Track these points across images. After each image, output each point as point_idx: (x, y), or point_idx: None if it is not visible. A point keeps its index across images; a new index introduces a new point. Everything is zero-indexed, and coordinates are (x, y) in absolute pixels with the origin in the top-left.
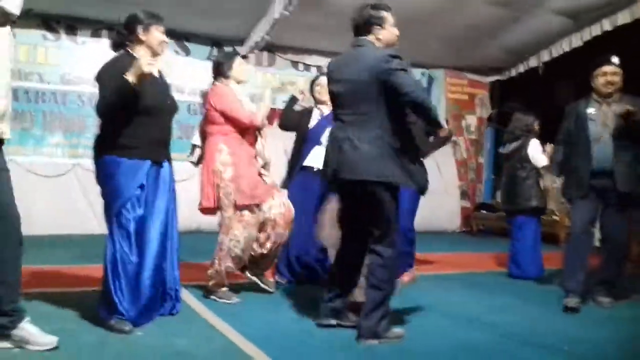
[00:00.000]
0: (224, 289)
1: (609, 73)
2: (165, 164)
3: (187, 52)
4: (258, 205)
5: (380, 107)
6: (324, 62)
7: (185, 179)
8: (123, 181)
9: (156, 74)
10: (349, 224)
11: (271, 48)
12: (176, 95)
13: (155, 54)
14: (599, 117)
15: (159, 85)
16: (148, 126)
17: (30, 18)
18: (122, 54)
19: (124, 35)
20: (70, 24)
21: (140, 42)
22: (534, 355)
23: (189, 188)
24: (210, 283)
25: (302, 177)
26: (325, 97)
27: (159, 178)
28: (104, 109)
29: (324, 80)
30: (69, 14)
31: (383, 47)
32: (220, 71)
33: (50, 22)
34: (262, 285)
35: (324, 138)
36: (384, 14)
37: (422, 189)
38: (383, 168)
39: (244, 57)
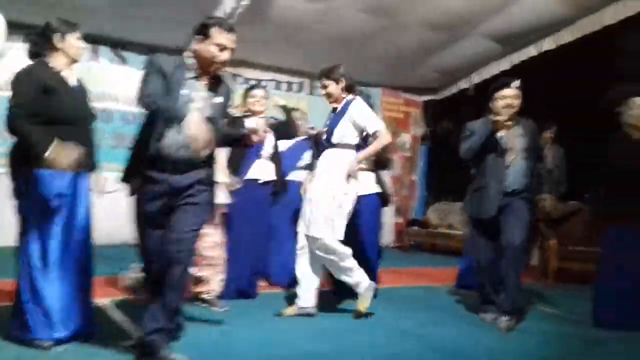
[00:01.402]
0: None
1: (509, 96)
2: (85, 174)
3: (123, 61)
4: None
5: None
6: (265, 75)
7: (119, 189)
8: (41, 192)
9: (74, 82)
10: None
11: None
12: (111, 104)
13: (72, 61)
14: (508, 140)
15: (76, 93)
16: (66, 136)
17: None
18: (38, 62)
19: (39, 44)
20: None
21: (57, 49)
22: None
23: (122, 198)
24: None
25: (246, 190)
26: (260, 108)
27: (77, 189)
28: (13, 125)
29: (258, 92)
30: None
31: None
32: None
33: None
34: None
35: (264, 151)
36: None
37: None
38: None
39: None
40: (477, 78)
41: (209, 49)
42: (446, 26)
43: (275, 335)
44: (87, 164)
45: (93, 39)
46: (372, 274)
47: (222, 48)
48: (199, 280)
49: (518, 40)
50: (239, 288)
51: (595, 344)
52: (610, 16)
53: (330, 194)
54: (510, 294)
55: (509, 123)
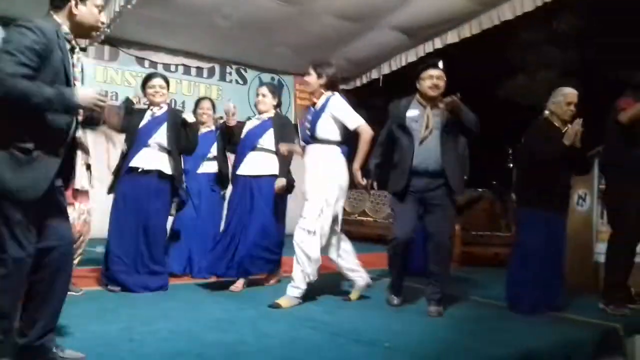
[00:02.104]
0: None
1: (435, 76)
2: None
3: None
4: None
5: None
6: (173, 60)
7: None
8: None
9: None
10: None
11: (113, 42)
12: None
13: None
14: (422, 119)
15: None
16: None
17: None
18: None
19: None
20: None
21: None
22: (359, 349)
23: None
24: None
25: (130, 178)
26: (160, 99)
27: None
28: None
29: (157, 81)
30: None
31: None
32: None
33: None
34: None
35: (153, 140)
36: None
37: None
38: None
39: (83, 49)
40: (386, 69)
41: (92, 10)
42: (356, 16)
43: (178, 327)
44: None
45: None
46: (275, 263)
47: (100, 8)
48: None
49: (424, 33)
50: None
51: (498, 326)
52: (509, 12)
53: (322, 190)
54: (440, 286)
55: (426, 103)
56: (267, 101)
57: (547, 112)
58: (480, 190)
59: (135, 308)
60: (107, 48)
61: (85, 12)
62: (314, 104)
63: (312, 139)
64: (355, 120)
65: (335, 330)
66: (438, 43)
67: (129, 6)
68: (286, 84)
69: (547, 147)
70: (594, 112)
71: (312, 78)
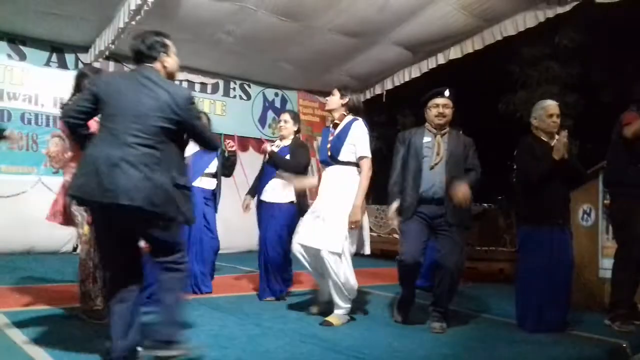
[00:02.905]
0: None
1: (441, 105)
2: None
3: (23, 57)
4: None
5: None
6: (177, 76)
7: (19, 193)
8: None
9: None
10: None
11: (118, 58)
12: (8, 103)
13: None
14: (434, 147)
15: None
16: None
17: None
18: None
19: None
20: None
21: None
22: None
23: (22, 203)
24: (81, 304)
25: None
26: None
27: None
28: None
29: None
30: None
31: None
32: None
33: None
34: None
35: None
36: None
37: None
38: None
39: (88, 64)
40: (389, 84)
41: (176, 60)
42: (358, 32)
43: None
44: None
45: None
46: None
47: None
48: (86, 296)
49: (427, 48)
50: None
51: (504, 344)
52: (511, 27)
53: (345, 211)
54: (445, 305)
55: (436, 131)
56: (289, 127)
57: (532, 127)
58: (484, 205)
59: None
60: (111, 64)
61: (173, 63)
62: (334, 125)
63: (333, 160)
64: (364, 151)
65: (337, 347)
66: (441, 59)
67: (133, 22)
68: (289, 99)
69: (538, 165)
70: (596, 127)
71: (334, 98)
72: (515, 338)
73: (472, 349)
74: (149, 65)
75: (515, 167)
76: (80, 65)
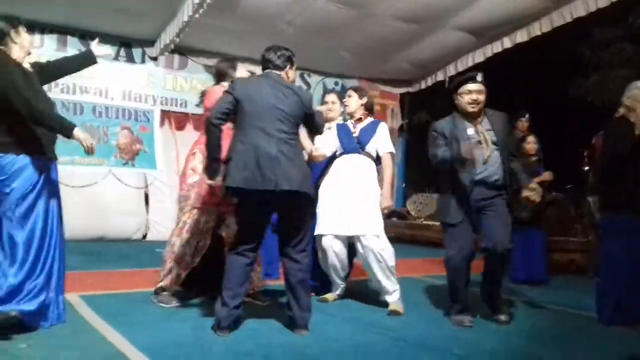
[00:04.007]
0: (166, 292)
1: (474, 91)
2: (55, 163)
3: None
4: (221, 218)
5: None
6: (239, 68)
7: (91, 183)
8: (16, 178)
9: (30, 70)
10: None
11: (182, 51)
12: (80, 96)
13: (27, 53)
14: (480, 138)
15: (38, 83)
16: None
17: None
18: (2, 52)
19: None
20: None
21: (14, 43)
22: (425, 356)
23: (94, 193)
24: (158, 285)
25: None
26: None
27: (49, 177)
28: (40, 112)
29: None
30: None
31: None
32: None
33: None
34: (255, 302)
35: None
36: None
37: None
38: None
39: (154, 58)
40: (452, 70)
41: (295, 73)
42: (419, 18)
43: (245, 328)
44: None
45: (60, 29)
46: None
47: None
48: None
49: (491, 32)
50: None
51: (577, 337)
52: (581, 8)
53: (377, 196)
54: (500, 294)
55: (474, 120)
56: (337, 108)
57: (622, 109)
58: (554, 194)
59: (203, 308)
60: (176, 57)
61: (293, 75)
62: (358, 120)
63: (361, 149)
64: (390, 147)
65: (400, 335)
66: (507, 42)
67: (196, 16)
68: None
69: (624, 145)
70: None
71: (353, 99)
72: (591, 331)
73: (543, 342)
74: (277, 72)
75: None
76: (147, 59)
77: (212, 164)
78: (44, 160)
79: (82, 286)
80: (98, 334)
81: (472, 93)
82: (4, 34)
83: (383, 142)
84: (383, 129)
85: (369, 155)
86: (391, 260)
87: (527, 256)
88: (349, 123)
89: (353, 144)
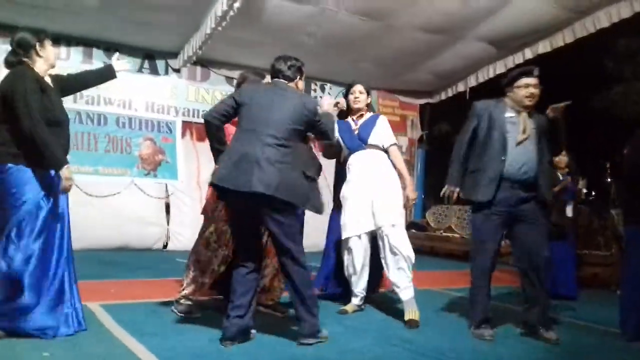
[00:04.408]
0: (187, 302)
1: (532, 85)
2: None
3: None
4: None
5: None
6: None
7: (113, 193)
8: (28, 190)
9: (51, 84)
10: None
11: (205, 63)
12: (104, 107)
13: (51, 66)
14: (519, 123)
15: (57, 95)
16: (56, 136)
17: None
18: (24, 67)
19: (19, 53)
20: None
21: (39, 56)
22: None
23: (117, 203)
24: (181, 294)
25: None
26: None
27: (59, 189)
28: (34, 131)
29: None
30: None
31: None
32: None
33: None
34: (274, 312)
35: None
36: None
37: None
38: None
39: (177, 70)
40: (473, 81)
41: (303, 84)
42: (440, 29)
43: (261, 340)
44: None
45: (86, 42)
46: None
47: None
48: (262, 289)
49: (513, 43)
50: None
51: (600, 353)
52: (604, 19)
53: (397, 189)
54: (545, 307)
55: (520, 109)
56: (363, 98)
57: None
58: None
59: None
60: (199, 69)
61: (302, 86)
62: (359, 116)
63: (365, 144)
64: (393, 139)
65: (421, 349)
66: (529, 54)
67: (219, 28)
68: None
69: None
70: None
71: (363, 96)
72: (613, 347)
73: (564, 357)
74: (284, 81)
75: (619, 163)
76: (170, 71)
77: (215, 164)
78: (55, 172)
79: (104, 295)
80: (119, 342)
81: (529, 87)
82: (30, 47)
83: (385, 135)
84: (382, 122)
85: (374, 147)
86: (406, 251)
87: (556, 269)
88: (350, 120)
89: (355, 141)
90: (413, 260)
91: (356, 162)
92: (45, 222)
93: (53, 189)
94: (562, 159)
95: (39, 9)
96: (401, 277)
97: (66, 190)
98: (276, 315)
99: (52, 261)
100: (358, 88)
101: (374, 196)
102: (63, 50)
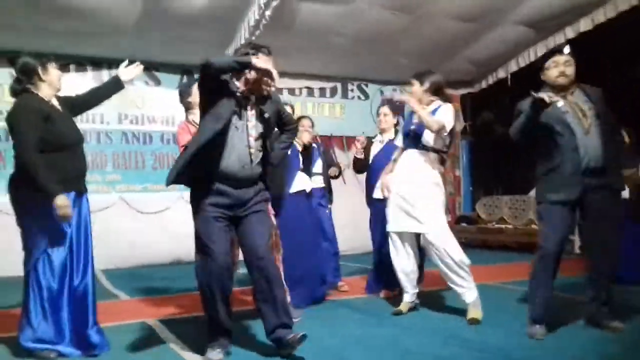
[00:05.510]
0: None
1: (561, 63)
2: (85, 196)
3: (158, 82)
4: None
5: None
6: (296, 83)
7: (162, 209)
8: (50, 215)
9: (58, 107)
10: None
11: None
12: (148, 126)
13: (56, 90)
14: (574, 110)
15: (66, 118)
16: (67, 160)
17: None
18: (28, 95)
19: (22, 80)
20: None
21: (42, 81)
22: None
23: (167, 218)
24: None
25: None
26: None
27: (80, 210)
28: (25, 158)
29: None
30: (36, 50)
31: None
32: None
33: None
34: None
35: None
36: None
37: None
38: None
39: None
40: (513, 66)
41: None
42: (476, 16)
43: (321, 344)
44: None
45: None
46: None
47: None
48: None
49: (552, 24)
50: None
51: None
52: None
53: (438, 193)
54: (610, 300)
55: (562, 92)
56: (389, 120)
57: None
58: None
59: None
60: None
61: None
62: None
63: (413, 144)
64: (441, 121)
65: (483, 347)
66: (570, 32)
67: (252, 38)
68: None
69: None
70: None
71: (415, 87)
72: None
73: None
74: None
75: None
76: None
77: None
78: (75, 194)
79: (161, 311)
80: (180, 358)
81: (559, 65)
82: (33, 73)
83: (440, 115)
84: (441, 110)
85: (425, 147)
86: (458, 256)
87: (631, 252)
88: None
89: (406, 140)
90: (467, 262)
91: (405, 160)
92: (72, 245)
93: (77, 210)
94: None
95: (76, 35)
96: (459, 280)
97: (63, 220)
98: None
99: (79, 287)
100: (383, 110)
101: (413, 200)
102: (105, 73)
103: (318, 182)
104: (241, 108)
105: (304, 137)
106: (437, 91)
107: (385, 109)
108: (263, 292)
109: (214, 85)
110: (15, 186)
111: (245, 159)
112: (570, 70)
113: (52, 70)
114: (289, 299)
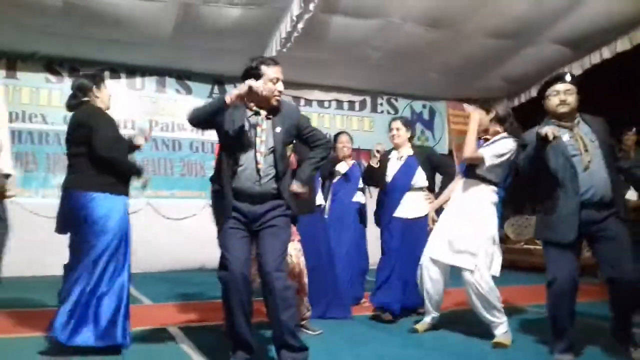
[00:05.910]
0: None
1: (562, 92)
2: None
3: (189, 91)
4: None
5: None
6: (326, 96)
7: (189, 216)
8: (112, 216)
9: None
10: None
11: None
12: (178, 133)
13: (107, 107)
14: (577, 143)
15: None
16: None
17: (33, 61)
18: (92, 105)
19: (78, 96)
20: (73, 66)
21: (96, 98)
22: None
23: (193, 225)
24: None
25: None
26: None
27: (126, 212)
28: (120, 160)
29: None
30: (72, 56)
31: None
32: None
33: (53, 64)
34: (307, 331)
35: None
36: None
37: None
38: None
39: None
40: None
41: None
42: (510, 33)
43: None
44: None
45: (159, 71)
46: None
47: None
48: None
49: (589, 43)
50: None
51: None
52: None
53: (488, 228)
54: (633, 326)
55: (568, 124)
56: (402, 134)
57: None
58: None
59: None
60: None
61: None
62: (485, 139)
63: (470, 174)
64: (480, 154)
65: None
66: (606, 53)
67: (284, 50)
68: (438, 110)
69: None
70: None
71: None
72: None
73: None
74: None
75: None
76: None
77: None
78: (123, 196)
79: (182, 317)
80: None
81: (560, 93)
82: (88, 90)
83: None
84: (498, 145)
85: (482, 178)
86: (491, 296)
87: None
88: (482, 142)
89: (465, 168)
90: (499, 302)
91: (459, 189)
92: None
93: (125, 210)
94: (631, 137)
95: (111, 43)
96: (490, 317)
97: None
98: (309, 334)
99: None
100: (396, 124)
101: (459, 231)
102: (138, 80)
103: (360, 197)
104: (250, 125)
105: (343, 152)
106: (505, 119)
107: (398, 124)
108: (268, 308)
109: (214, 124)
110: (84, 185)
111: (254, 175)
112: (572, 99)
113: (104, 89)
114: (308, 314)
